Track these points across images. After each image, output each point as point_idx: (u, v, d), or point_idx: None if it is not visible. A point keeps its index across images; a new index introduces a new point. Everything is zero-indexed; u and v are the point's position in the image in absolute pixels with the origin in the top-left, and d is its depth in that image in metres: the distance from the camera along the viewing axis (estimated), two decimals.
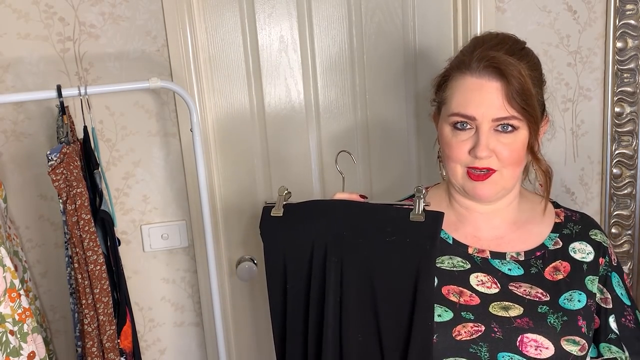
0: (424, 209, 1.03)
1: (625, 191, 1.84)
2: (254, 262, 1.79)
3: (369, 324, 1.06)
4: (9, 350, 1.24)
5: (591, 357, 1.17)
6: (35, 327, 1.29)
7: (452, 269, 1.15)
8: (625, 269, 1.88)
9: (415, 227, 1.03)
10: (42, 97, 1.41)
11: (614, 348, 1.16)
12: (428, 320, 1.04)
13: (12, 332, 1.24)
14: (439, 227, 1.03)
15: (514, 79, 1.06)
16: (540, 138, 1.17)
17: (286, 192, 1.13)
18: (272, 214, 1.11)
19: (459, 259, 1.16)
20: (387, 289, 1.06)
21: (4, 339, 1.23)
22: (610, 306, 1.17)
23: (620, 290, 1.18)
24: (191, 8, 1.60)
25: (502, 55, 1.08)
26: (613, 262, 1.20)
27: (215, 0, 1.65)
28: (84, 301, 1.39)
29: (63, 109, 1.39)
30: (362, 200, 1.09)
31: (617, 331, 1.16)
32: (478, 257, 1.16)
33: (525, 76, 1.07)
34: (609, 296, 1.17)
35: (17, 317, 1.25)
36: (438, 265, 1.16)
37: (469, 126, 1.10)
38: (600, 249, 1.19)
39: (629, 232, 1.86)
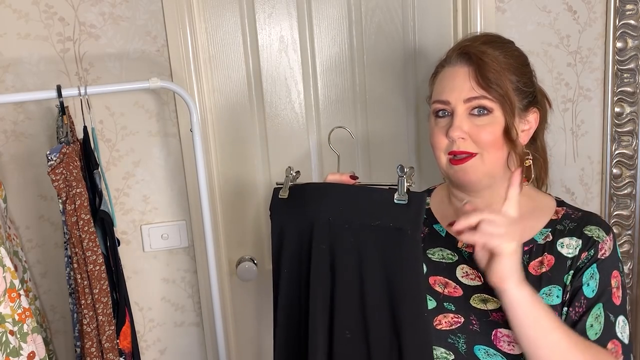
0: (407, 190, 0.96)
1: (625, 191, 1.84)
2: (254, 262, 1.79)
3: (356, 321, 0.99)
4: (8, 351, 1.24)
5: None
6: (35, 327, 1.29)
7: (440, 260, 1.19)
8: (625, 269, 1.88)
9: (399, 210, 0.95)
10: (42, 97, 1.40)
11: None
12: (421, 312, 0.96)
13: (12, 332, 1.24)
14: (422, 209, 0.96)
15: (482, 62, 1.11)
16: (530, 131, 1.18)
17: (293, 172, 1.10)
18: (279, 196, 1.09)
19: (449, 251, 1.20)
20: (373, 279, 0.98)
21: (4, 339, 1.23)
22: (567, 298, 1.11)
23: (589, 282, 1.11)
24: (191, 8, 1.60)
25: (474, 44, 1.15)
26: (599, 256, 1.13)
27: (215, 0, 1.65)
28: (83, 301, 1.39)
29: (63, 109, 1.39)
30: (351, 181, 1.06)
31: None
32: (466, 251, 1.19)
33: (495, 60, 1.11)
34: (569, 288, 1.11)
35: (17, 317, 1.25)
36: (429, 256, 1.19)
37: (447, 113, 1.15)
38: (588, 243, 1.13)
39: (629, 232, 1.86)
